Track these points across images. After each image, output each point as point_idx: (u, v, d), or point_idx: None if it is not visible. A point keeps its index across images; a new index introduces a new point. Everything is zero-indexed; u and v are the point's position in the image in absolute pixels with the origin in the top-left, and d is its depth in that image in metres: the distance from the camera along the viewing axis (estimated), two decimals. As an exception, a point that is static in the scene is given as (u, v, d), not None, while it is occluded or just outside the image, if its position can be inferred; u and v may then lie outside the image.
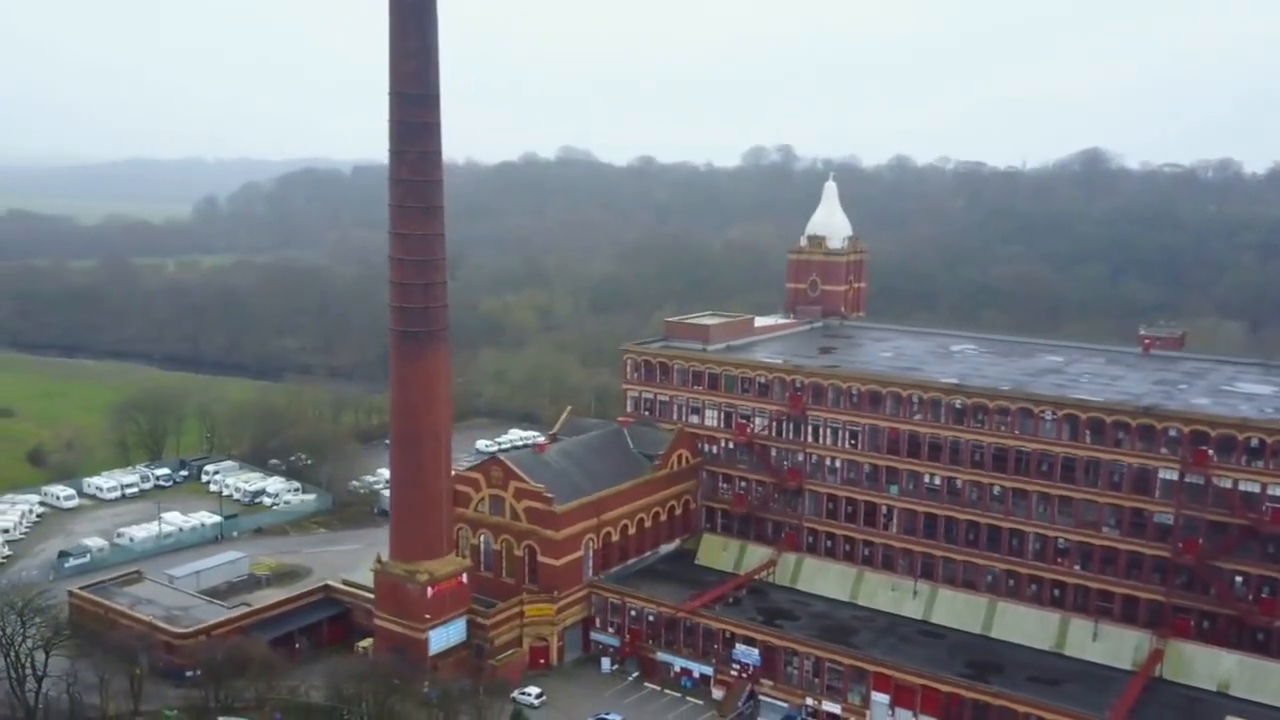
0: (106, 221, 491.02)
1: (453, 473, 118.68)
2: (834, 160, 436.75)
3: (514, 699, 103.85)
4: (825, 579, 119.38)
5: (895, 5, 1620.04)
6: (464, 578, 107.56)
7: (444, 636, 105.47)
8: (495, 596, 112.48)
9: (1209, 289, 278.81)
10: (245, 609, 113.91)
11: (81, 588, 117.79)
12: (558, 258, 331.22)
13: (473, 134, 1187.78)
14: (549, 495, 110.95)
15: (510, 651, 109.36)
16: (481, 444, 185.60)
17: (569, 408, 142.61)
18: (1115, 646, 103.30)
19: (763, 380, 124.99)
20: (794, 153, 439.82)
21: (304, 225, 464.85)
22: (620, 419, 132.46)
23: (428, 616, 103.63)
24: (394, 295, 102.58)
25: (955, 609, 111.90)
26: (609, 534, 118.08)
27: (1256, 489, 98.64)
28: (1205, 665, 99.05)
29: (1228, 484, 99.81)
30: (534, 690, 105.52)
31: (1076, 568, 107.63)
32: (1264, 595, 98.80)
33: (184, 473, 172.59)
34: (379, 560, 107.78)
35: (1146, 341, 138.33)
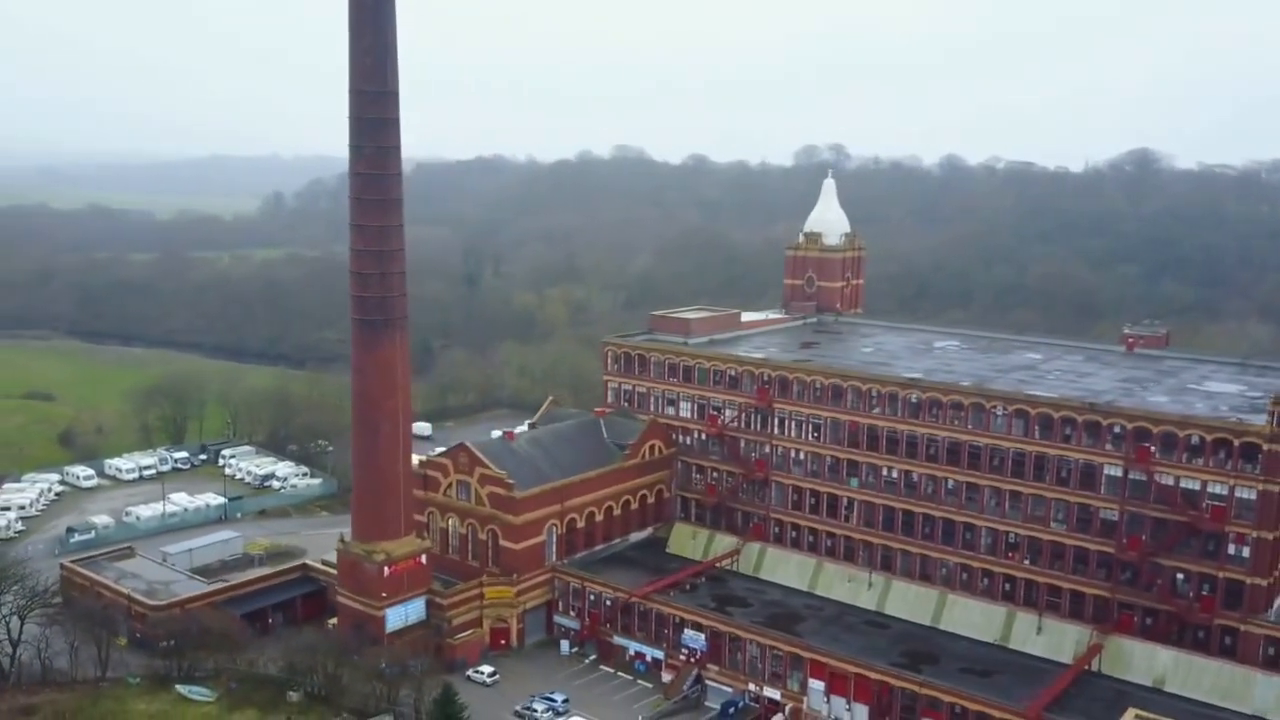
0: (178, 216, 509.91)
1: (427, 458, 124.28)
2: (884, 159, 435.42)
3: (468, 677, 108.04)
4: (786, 569, 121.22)
5: (930, 5, 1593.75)
6: (423, 559, 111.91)
7: (402, 614, 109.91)
8: (462, 578, 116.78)
9: (1252, 290, 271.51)
10: (222, 584, 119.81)
11: (73, 561, 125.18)
12: (598, 254, 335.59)
13: (534, 133, 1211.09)
14: (510, 481, 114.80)
15: (469, 632, 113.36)
16: (497, 434, 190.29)
17: (550, 398, 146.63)
18: (1057, 640, 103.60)
19: (733, 373, 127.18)
20: (846, 151, 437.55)
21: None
22: (597, 410, 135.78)
23: (384, 595, 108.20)
24: (353, 285, 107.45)
25: (907, 600, 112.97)
26: (574, 520, 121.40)
27: (1196, 486, 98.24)
28: (1142, 660, 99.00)
29: (1169, 481, 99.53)
30: (487, 669, 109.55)
31: (1026, 562, 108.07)
32: (1204, 593, 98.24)
33: (203, 456, 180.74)
34: (341, 540, 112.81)
35: (1130, 340, 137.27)
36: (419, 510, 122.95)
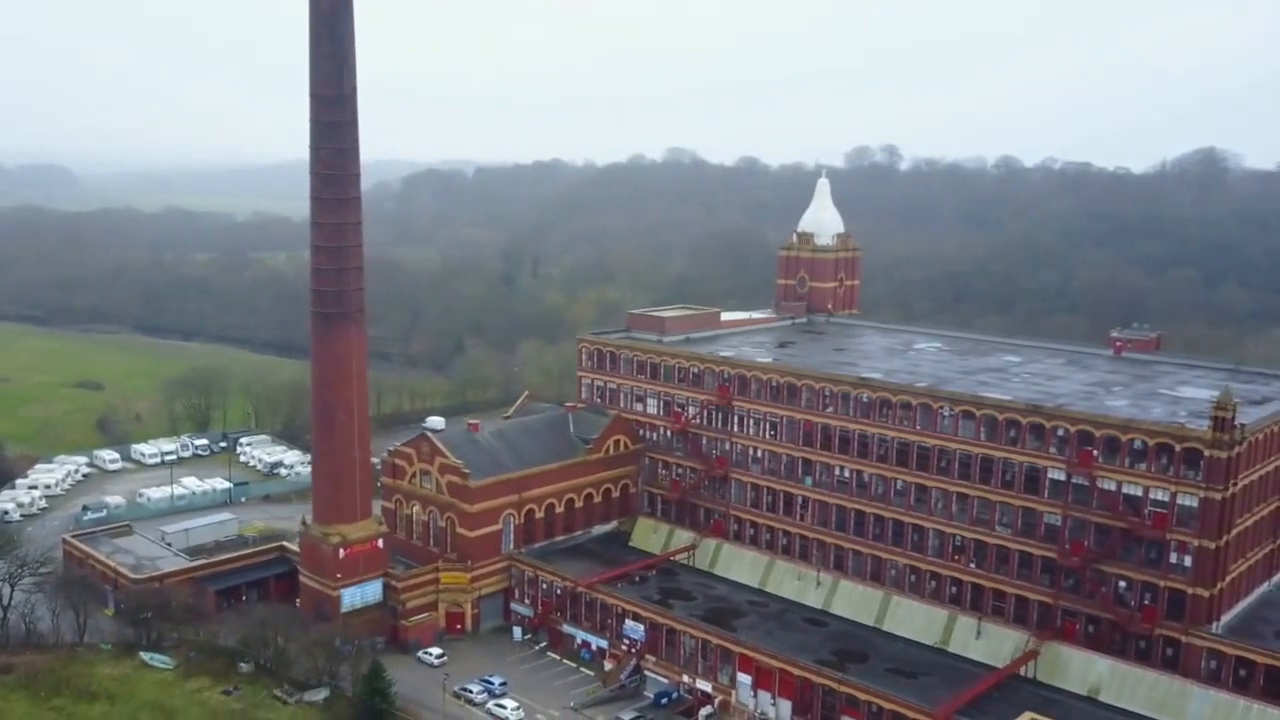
0: (252, 218, 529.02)
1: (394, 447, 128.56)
2: (938, 160, 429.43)
3: (418, 658, 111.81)
4: (740, 565, 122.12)
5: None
6: (379, 542, 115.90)
7: (357, 595, 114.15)
8: (425, 564, 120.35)
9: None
10: (202, 562, 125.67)
11: (74, 535, 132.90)
12: (637, 255, 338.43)
13: (592, 137, 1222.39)
14: (465, 470, 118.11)
15: (423, 614, 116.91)
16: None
17: (525, 393, 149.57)
18: (996, 645, 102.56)
19: (695, 370, 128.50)
20: (898, 152, 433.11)
21: (423, 222, 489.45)
22: (567, 405, 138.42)
23: (339, 576, 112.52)
24: (312, 279, 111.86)
25: (853, 600, 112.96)
26: (532, 511, 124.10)
27: (1139, 492, 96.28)
28: (1079, 668, 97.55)
29: (1111, 486, 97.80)
30: (435, 651, 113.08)
31: (972, 566, 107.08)
32: (1147, 602, 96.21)
33: (223, 444, 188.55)
34: (303, 522, 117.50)
35: (1118, 344, 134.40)
36: (387, 497, 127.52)
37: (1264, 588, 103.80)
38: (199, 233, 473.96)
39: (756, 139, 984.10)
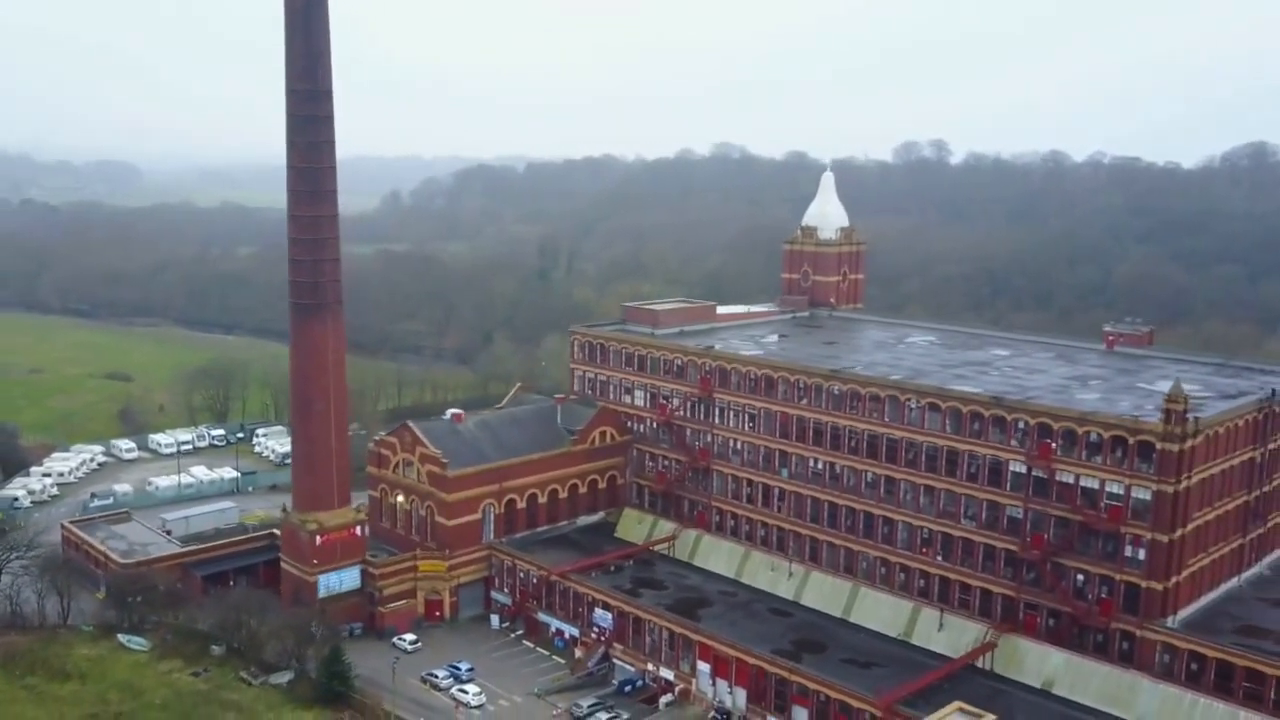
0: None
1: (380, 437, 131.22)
2: (985, 155, 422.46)
3: (393, 644, 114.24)
4: (718, 556, 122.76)
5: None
6: (358, 530, 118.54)
7: (334, 581, 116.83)
8: (405, 551, 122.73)
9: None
10: (194, 548, 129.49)
11: (72, 522, 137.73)
12: (676, 250, 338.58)
13: (643, 133, 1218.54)
14: (444, 460, 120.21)
15: (401, 601, 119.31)
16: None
17: (517, 384, 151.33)
18: (957, 637, 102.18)
19: (679, 363, 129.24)
20: (947, 147, 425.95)
21: (471, 218, 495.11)
22: (557, 397, 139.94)
23: (316, 562, 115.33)
24: (290, 271, 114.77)
25: (823, 592, 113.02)
26: (513, 501, 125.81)
27: (1095, 485, 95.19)
28: (1035, 661, 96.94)
29: (1069, 479, 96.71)
30: (409, 637, 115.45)
31: (938, 558, 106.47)
32: (1104, 596, 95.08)
33: (240, 434, 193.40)
34: (284, 509, 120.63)
35: (1110, 338, 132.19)
36: (373, 486, 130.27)
37: (1232, 583, 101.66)
38: (251, 227, 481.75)
39: (807, 134, 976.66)
